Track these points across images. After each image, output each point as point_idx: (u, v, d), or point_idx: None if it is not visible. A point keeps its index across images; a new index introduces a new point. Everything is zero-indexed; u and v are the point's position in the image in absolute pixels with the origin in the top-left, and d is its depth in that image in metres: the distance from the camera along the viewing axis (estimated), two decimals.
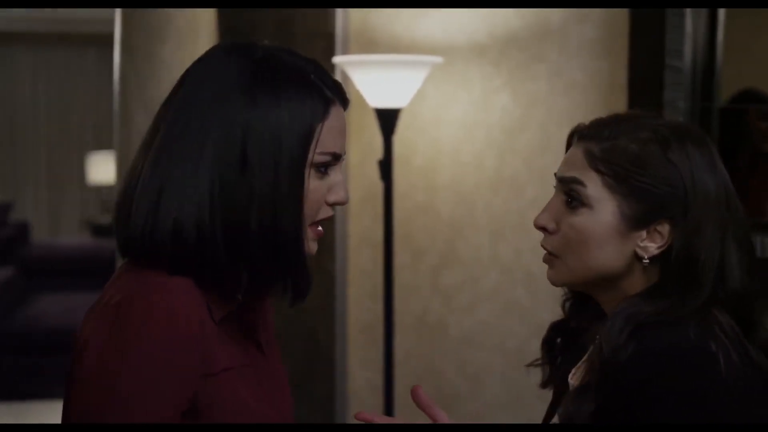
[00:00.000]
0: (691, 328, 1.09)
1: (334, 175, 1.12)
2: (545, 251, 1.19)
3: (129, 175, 1.11)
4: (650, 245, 1.15)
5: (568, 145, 1.21)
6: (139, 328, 1.02)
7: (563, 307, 1.27)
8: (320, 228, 1.14)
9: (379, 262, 2.71)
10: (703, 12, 2.24)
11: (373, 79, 2.45)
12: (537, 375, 1.30)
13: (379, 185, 2.62)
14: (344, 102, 1.13)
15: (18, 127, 7.58)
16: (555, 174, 1.20)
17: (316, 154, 1.09)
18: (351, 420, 2.84)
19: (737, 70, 2.28)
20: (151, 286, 1.05)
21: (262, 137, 1.06)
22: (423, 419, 1.18)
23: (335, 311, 2.82)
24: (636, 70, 2.36)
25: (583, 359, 1.20)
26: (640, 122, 1.17)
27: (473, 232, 2.73)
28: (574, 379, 1.20)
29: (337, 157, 1.12)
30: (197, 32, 2.86)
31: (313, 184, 1.10)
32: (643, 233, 1.14)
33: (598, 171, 1.14)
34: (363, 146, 2.79)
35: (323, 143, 1.09)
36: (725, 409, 1.07)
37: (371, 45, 2.73)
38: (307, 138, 1.08)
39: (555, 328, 1.27)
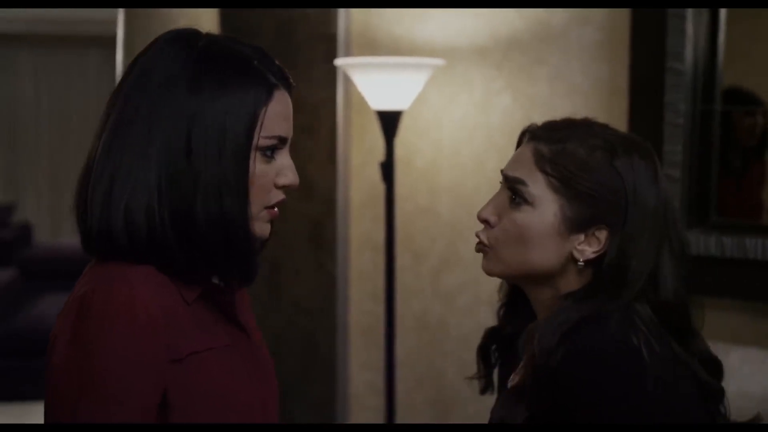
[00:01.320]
0: (613, 322, 1.11)
1: (281, 158, 1.14)
2: (478, 241, 1.23)
3: (84, 165, 1.12)
4: (587, 249, 1.17)
5: (519, 143, 1.23)
6: (100, 319, 1.03)
7: (498, 313, 1.29)
8: (275, 209, 1.15)
9: (380, 263, 2.71)
10: (704, 15, 2.24)
11: (375, 81, 2.46)
12: None
13: (380, 187, 2.62)
14: (288, 87, 1.15)
15: (20, 128, 7.59)
16: (501, 171, 1.22)
17: (261, 138, 1.11)
18: (352, 421, 2.85)
19: (738, 73, 2.28)
20: (111, 277, 1.06)
21: (206, 124, 1.08)
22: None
23: (336, 313, 2.82)
24: (637, 72, 2.36)
25: (521, 365, 1.22)
26: (593, 130, 1.19)
27: (474, 235, 2.73)
28: (512, 383, 1.23)
29: (283, 141, 1.14)
30: None
31: (259, 168, 1.12)
32: (581, 236, 1.17)
33: (544, 172, 1.17)
34: (364, 148, 2.79)
35: (267, 127, 1.11)
36: (653, 402, 1.08)
37: (373, 47, 2.73)
38: (251, 123, 1.10)
39: (490, 335, 1.29)
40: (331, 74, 2.78)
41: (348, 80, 2.68)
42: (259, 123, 1.10)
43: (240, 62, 1.11)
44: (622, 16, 2.47)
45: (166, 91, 1.09)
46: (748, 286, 2.18)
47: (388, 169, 2.53)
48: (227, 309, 1.16)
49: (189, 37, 1.13)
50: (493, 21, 2.64)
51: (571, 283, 1.18)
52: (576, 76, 2.58)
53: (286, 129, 1.14)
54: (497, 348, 1.29)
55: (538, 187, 1.17)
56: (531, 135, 1.21)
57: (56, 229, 7.62)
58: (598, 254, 1.16)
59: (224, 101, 1.09)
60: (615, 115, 2.43)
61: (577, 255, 1.17)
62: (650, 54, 2.31)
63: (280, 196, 1.15)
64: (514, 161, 1.20)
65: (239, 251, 1.11)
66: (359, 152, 2.79)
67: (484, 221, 1.22)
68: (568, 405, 1.08)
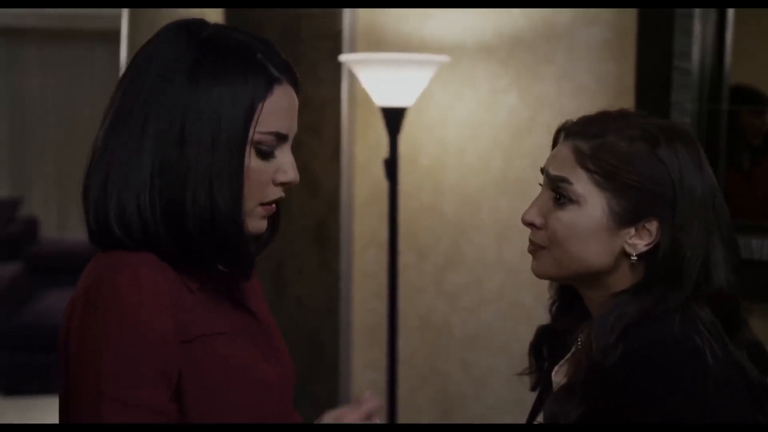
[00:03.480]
0: (675, 323, 1.09)
1: (281, 155, 1.11)
2: (530, 244, 1.19)
3: (89, 156, 1.12)
4: (638, 242, 1.14)
5: (555, 142, 1.20)
6: (108, 307, 1.03)
7: (550, 311, 1.27)
8: (272, 206, 1.13)
9: (384, 262, 2.70)
10: (712, 14, 2.23)
11: (380, 78, 2.45)
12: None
13: (384, 185, 2.61)
14: (294, 83, 1.12)
15: (27, 123, 7.60)
16: (542, 169, 1.19)
17: (256, 133, 1.08)
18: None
19: (745, 72, 2.26)
20: (114, 265, 1.06)
21: (200, 114, 1.06)
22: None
23: (339, 311, 2.82)
24: (644, 72, 2.34)
25: (567, 357, 1.20)
26: (630, 120, 1.16)
27: (478, 233, 2.72)
28: (557, 376, 1.20)
29: (281, 137, 1.10)
30: None
31: (255, 163, 1.09)
32: (632, 230, 1.14)
33: (586, 168, 1.14)
34: (369, 145, 2.78)
35: (264, 122, 1.08)
36: (711, 407, 1.06)
37: (379, 44, 2.72)
38: (247, 116, 1.07)
39: (542, 333, 1.27)
40: (335, 72, 2.77)
41: (353, 78, 2.67)
42: (255, 116, 1.07)
43: (241, 53, 1.08)
44: (629, 15, 2.45)
45: (164, 80, 1.07)
46: (755, 287, 2.16)
47: (392, 166, 2.52)
48: (233, 295, 1.14)
49: (193, 26, 1.11)
50: (499, 19, 2.63)
51: (625, 279, 1.16)
52: (583, 75, 2.57)
53: (286, 126, 1.10)
54: (548, 346, 1.26)
55: (582, 184, 1.14)
56: (567, 132, 1.18)
57: (62, 224, 7.63)
58: (650, 247, 1.14)
59: (220, 91, 1.06)
60: None
61: (629, 249, 1.14)
62: (657, 53, 2.29)
63: (278, 193, 1.12)
64: (554, 160, 1.17)
65: (229, 245, 1.09)
66: (364, 150, 2.78)
67: (530, 224, 1.18)
68: (622, 403, 1.06)
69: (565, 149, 1.16)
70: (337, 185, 2.80)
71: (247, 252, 1.11)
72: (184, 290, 1.08)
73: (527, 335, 2.70)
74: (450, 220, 2.73)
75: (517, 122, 2.65)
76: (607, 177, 1.13)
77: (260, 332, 1.17)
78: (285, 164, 1.11)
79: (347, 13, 2.75)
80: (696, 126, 2.24)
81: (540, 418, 1.23)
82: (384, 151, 2.61)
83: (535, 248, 1.19)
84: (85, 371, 1.03)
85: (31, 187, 7.68)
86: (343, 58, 2.55)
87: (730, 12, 2.21)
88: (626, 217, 1.13)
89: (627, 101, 2.46)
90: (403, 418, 2.72)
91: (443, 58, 2.49)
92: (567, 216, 1.15)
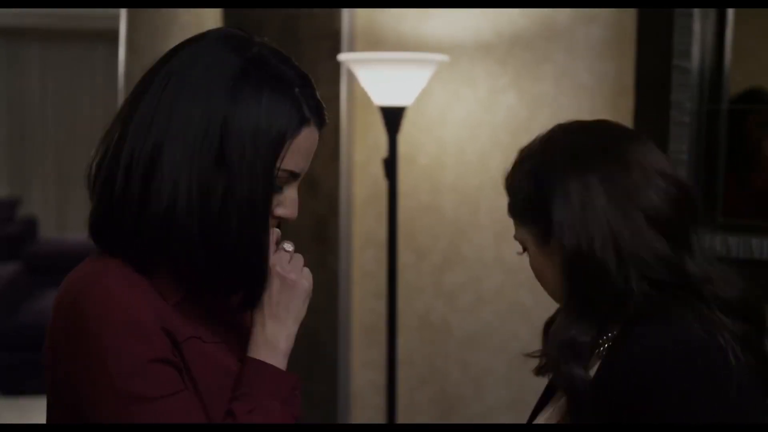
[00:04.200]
0: (694, 323, 1.08)
1: (287, 190, 1.11)
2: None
3: (103, 148, 1.09)
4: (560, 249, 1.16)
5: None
6: (96, 321, 1.02)
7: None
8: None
9: (383, 262, 2.70)
10: (711, 13, 2.22)
11: (379, 77, 2.44)
12: (540, 377, 1.29)
13: (383, 184, 2.61)
14: (321, 124, 1.12)
15: (26, 122, 7.59)
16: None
17: (276, 169, 1.08)
18: (353, 420, 2.83)
19: (745, 71, 2.26)
20: (97, 277, 1.05)
21: (240, 138, 1.05)
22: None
23: (338, 311, 2.81)
24: (643, 71, 2.34)
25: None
26: (528, 161, 1.21)
27: (477, 233, 2.71)
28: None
29: (294, 176, 1.11)
30: (202, 29, 2.85)
31: None
32: (553, 241, 1.16)
33: (512, 215, 1.21)
34: (368, 145, 2.77)
35: (285, 160, 1.08)
36: (732, 409, 1.06)
37: (377, 44, 2.71)
38: (277, 148, 1.07)
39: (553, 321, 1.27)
40: (334, 71, 2.76)
41: (352, 77, 2.67)
42: (283, 152, 1.07)
43: (282, 84, 1.08)
44: (628, 14, 2.45)
45: (203, 92, 1.06)
46: (756, 288, 2.15)
47: (391, 165, 2.51)
48: (215, 308, 1.14)
49: (240, 42, 1.10)
50: (498, 18, 2.62)
51: None
52: (582, 74, 2.56)
53: (301, 165, 1.11)
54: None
55: (517, 231, 1.21)
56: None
57: (61, 224, 7.62)
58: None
59: (258, 116, 1.06)
60: (621, 114, 2.41)
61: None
62: (657, 52, 2.29)
63: (273, 224, 1.12)
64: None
65: (254, 272, 1.09)
66: (362, 149, 2.78)
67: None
68: (643, 401, 1.06)
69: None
70: (336, 185, 2.79)
71: (265, 281, 1.11)
72: (162, 303, 1.07)
73: (526, 335, 2.72)
74: (449, 220, 2.73)
75: (516, 122, 2.65)
76: (515, 214, 1.20)
77: (244, 345, 1.16)
78: (287, 200, 1.11)
79: (346, 13, 2.74)
80: (695, 125, 2.24)
81: (541, 417, 1.22)
82: (383, 151, 2.60)
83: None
84: (91, 374, 1.02)
85: (30, 186, 7.67)
86: (342, 57, 2.55)
87: (730, 11, 2.21)
88: (541, 236, 1.17)
89: (626, 101, 2.46)
90: (402, 417, 2.72)
91: (442, 58, 2.49)
92: (529, 260, 1.21)
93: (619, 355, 1.08)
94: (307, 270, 1.14)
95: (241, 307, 1.13)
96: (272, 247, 1.12)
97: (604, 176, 1.13)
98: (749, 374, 1.09)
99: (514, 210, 1.20)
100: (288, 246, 1.14)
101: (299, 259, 1.14)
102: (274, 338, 1.10)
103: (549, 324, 1.26)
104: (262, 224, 1.08)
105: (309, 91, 1.11)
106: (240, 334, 1.16)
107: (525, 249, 1.21)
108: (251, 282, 1.10)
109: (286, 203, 1.11)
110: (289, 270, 1.12)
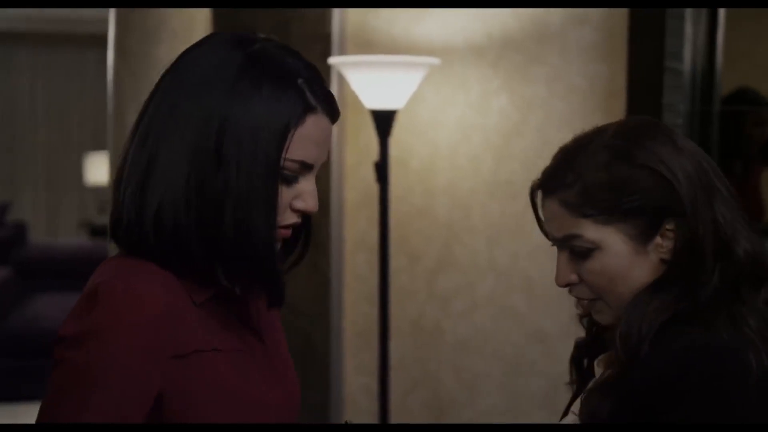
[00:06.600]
0: (723, 329, 1.08)
1: (304, 183, 1.10)
2: (578, 301, 1.20)
3: (122, 156, 1.10)
4: (668, 244, 1.15)
5: (533, 202, 1.20)
6: (106, 312, 1.02)
7: (582, 323, 1.27)
8: (289, 230, 1.12)
9: (375, 266, 2.68)
10: (703, 15, 2.22)
11: (370, 80, 2.43)
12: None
13: (374, 188, 2.59)
14: (331, 113, 1.10)
15: (16, 127, 7.57)
16: (547, 237, 1.20)
17: (283, 159, 1.07)
18: None
19: (737, 73, 2.26)
20: (121, 272, 1.05)
21: (238, 132, 1.05)
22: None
23: (330, 315, 2.80)
24: (635, 73, 2.33)
25: (603, 357, 1.20)
26: (590, 148, 1.16)
27: (470, 237, 2.71)
28: (600, 366, 1.20)
29: (307, 167, 1.10)
30: (192, 33, 2.84)
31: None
32: (657, 238, 1.14)
33: (585, 216, 1.14)
34: (359, 148, 2.76)
35: (292, 149, 1.07)
36: (752, 415, 1.05)
37: (369, 46, 2.70)
38: (280, 141, 1.06)
39: (580, 346, 1.27)
40: (325, 74, 2.75)
41: (343, 81, 2.66)
42: (287, 143, 1.06)
43: (282, 75, 1.07)
44: (620, 16, 2.44)
45: (202, 91, 1.06)
46: None
47: (382, 169, 2.50)
48: (240, 313, 1.13)
49: (242, 39, 1.09)
50: (490, 20, 2.62)
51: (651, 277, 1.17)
52: (574, 76, 2.56)
53: (313, 155, 1.09)
54: (588, 357, 1.26)
55: (590, 231, 1.14)
56: (544, 189, 1.18)
57: (51, 229, 7.60)
58: (678, 242, 1.14)
59: (257, 110, 1.05)
60: (613, 116, 2.40)
61: (664, 256, 1.15)
62: (649, 54, 2.29)
63: (294, 218, 1.11)
64: (551, 222, 1.17)
65: (262, 270, 1.08)
66: (354, 152, 2.77)
67: (567, 285, 1.18)
68: (660, 403, 1.06)
69: (554, 207, 1.16)
70: (327, 188, 2.78)
71: (279, 277, 1.10)
72: (187, 302, 1.07)
73: (519, 339, 2.71)
74: (441, 223, 2.72)
75: (508, 124, 2.64)
76: (607, 212, 1.13)
77: (263, 354, 1.15)
78: (306, 192, 1.10)
79: (337, 16, 2.73)
80: (688, 127, 2.24)
81: (568, 418, 1.21)
82: (374, 154, 2.59)
83: (586, 303, 1.19)
84: (70, 366, 1.03)
85: (19, 191, 7.64)
86: (333, 60, 2.54)
87: (722, 12, 2.21)
88: (645, 233, 1.14)
89: (618, 103, 2.46)
90: (395, 422, 2.71)
91: (433, 61, 2.48)
92: (596, 264, 1.15)
93: (640, 348, 1.08)
94: None
95: (270, 303, 1.11)
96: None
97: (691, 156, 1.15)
98: None
99: (594, 207, 1.13)
100: None
101: None
102: None
103: (577, 352, 1.25)
104: (265, 217, 1.06)
105: (316, 81, 1.09)
106: (264, 344, 1.15)
107: (588, 253, 1.14)
108: (263, 277, 1.09)
109: (305, 195, 1.10)
110: None
